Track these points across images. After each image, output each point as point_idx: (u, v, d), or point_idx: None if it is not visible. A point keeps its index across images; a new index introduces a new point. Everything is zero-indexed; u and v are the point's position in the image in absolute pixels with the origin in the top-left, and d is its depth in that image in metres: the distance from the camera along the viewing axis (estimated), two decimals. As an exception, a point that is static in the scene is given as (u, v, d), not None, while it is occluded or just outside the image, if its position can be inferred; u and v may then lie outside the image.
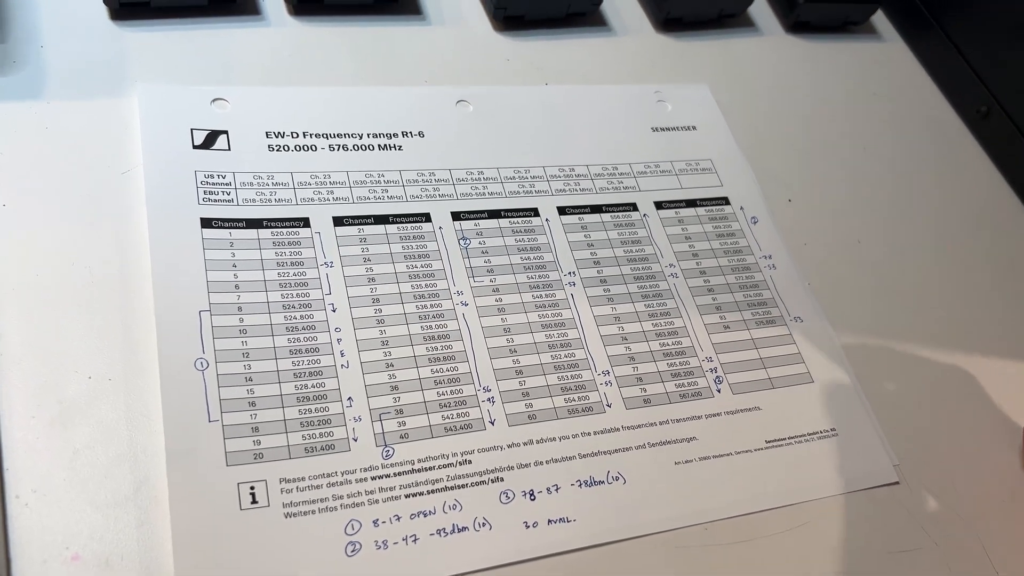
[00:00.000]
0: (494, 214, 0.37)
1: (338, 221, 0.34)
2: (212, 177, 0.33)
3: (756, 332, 0.36)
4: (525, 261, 0.36)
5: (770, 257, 0.39)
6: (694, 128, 0.43)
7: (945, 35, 0.49)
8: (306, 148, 0.36)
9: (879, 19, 0.52)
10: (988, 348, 0.38)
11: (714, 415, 0.34)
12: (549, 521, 0.30)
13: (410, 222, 0.35)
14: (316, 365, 0.31)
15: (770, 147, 0.43)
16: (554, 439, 0.31)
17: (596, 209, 0.38)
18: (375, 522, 0.28)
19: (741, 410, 0.34)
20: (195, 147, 0.34)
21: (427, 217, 0.36)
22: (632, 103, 0.42)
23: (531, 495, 0.30)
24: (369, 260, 0.34)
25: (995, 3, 0.46)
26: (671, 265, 0.37)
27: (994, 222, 0.44)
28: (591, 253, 0.37)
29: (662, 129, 0.42)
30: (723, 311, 0.37)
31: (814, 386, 0.35)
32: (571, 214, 0.38)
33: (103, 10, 0.36)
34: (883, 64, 0.50)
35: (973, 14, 0.48)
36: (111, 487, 0.26)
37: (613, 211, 0.38)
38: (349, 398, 0.30)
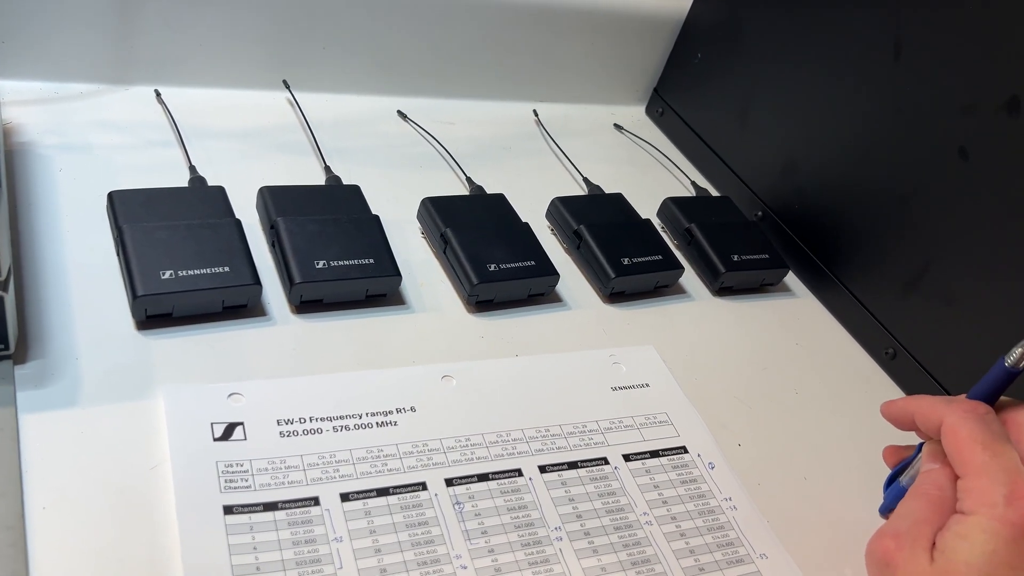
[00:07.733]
0: (483, 477, 0.41)
1: (344, 497, 0.38)
2: (232, 466, 0.37)
3: (728, 572, 0.40)
4: (515, 520, 0.39)
5: (731, 499, 0.43)
6: (647, 385, 0.49)
7: (847, 290, 0.57)
8: (313, 432, 0.40)
9: (791, 279, 0.61)
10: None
11: (702, 656, 0.36)
12: None
13: (408, 492, 0.39)
14: (334, 639, 0.33)
15: (714, 398, 0.49)
16: None
17: (572, 465, 0.43)
18: None
19: (726, 649, 0.37)
20: (215, 439, 0.38)
21: (423, 486, 0.39)
22: (592, 367, 0.48)
23: None
24: (375, 532, 0.37)
25: (886, 261, 0.55)
26: (645, 513, 0.41)
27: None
28: (573, 507, 0.41)
29: (620, 388, 0.48)
30: (696, 554, 0.40)
31: (788, 619, 0.39)
32: (551, 471, 0.42)
33: (131, 322, 0.42)
34: (800, 317, 0.58)
35: (869, 270, 0.57)
36: None
37: (588, 466, 0.43)
38: (367, 670, 0.32)
